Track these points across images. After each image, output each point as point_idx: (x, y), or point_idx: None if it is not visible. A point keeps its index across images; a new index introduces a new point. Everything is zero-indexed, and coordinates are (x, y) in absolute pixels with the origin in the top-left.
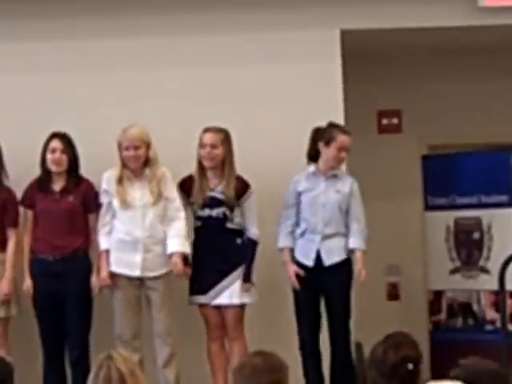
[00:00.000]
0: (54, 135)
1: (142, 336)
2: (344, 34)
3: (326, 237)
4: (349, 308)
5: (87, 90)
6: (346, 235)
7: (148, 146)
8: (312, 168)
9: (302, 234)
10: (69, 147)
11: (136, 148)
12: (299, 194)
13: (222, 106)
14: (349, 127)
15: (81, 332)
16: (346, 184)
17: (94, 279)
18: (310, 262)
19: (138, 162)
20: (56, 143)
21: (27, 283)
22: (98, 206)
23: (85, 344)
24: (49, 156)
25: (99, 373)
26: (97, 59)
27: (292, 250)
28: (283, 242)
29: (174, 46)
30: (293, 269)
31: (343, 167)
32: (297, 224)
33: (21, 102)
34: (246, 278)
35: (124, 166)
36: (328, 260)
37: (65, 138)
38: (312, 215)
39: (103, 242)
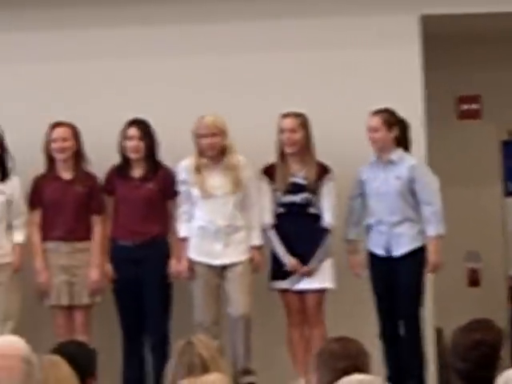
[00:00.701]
0: (132, 122)
1: (222, 322)
2: (424, 19)
3: (393, 226)
4: (419, 297)
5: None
6: (416, 221)
7: (224, 133)
8: (373, 157)
9: (372, 224)
10: (146, 134)
11: (213, 135)
12: (363, 183)
13: (299, 92)
14: (428, 113)
15: (161, 318)
16: (405, 169)
17: (172, 264)
18: (381, 252)
19: (215, 149)
20: (133, 131)
21: (106, 268)
22: (176, 192)
23: (165, 330)
24: (127, 143)
25: (181, 359)
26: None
27: (356, 241)
28: (348, 232)
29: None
30: (354, 260)
31: (421, 152)
32: (365, 214)
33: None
34: (308, 263)
35: (200, 154)
36: (398, 250)
37: (142, 125)
38: (377, 205)
39: (182, 230)
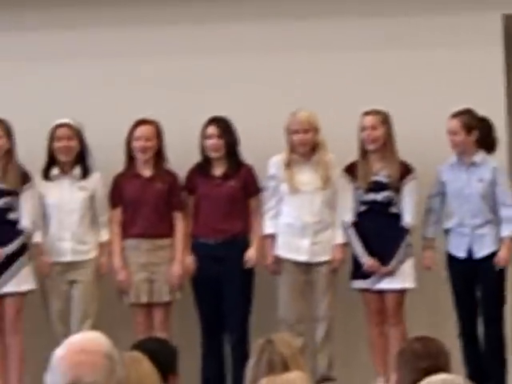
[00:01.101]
0: (211, 121)
1: (306, 321)
2: (506, 19)
3: (475, 228)
4: (501, 299)
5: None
6: (496, 223)
7: (316, 130)
8: (454, 157)
9: (452, 227)
10: (226, 132)
11: (305, 132)
12: (443, 184)
13: (381, 91)
14: (511, 113)
15: (241, 316)
16: (488, 171)
17: (251, 253)
18: (462, 254)
19: (306, 145)
20: (212, 129)
21: (188, 260)
22: (258, 190)
23: (245, 328)
24: (206, 142)
25: (261, 357)
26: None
27: (433, 239)
28: (426, 231)
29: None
30: (428, 254)
31: (503, 153)
32: (445, 215)
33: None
34: (387, 263)
35: (292, 150)
36: (479, 252)
37: (221, 123)
38: (458, 207)
39: (268, 226)
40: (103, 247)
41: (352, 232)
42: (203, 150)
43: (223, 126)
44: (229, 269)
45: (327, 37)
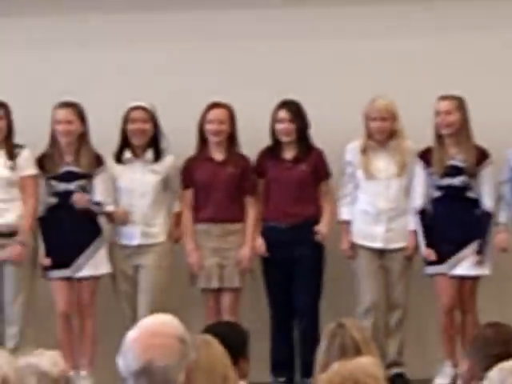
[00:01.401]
0: (282, 104)
1: (380, 306)
2: None
3: None
4: None
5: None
6: None
7: (394, 118)
8: None
9: None
10: (297, 116)
11: (383, 119)
12: None
13: (456, 76)
14: None
15: (311, 300)
16: None
17: (322, 228)
18: None
19: (384, 133)
20: (284, 113)
21: (258, 242)
22: (329, 174)
23: (315, 312)
24: (277, 126)
25: (333, 342)
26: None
27: (506, 224)
28: (499, 216)
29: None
30: (501, 237)
31: None
32: None
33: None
34: (480, 251)
35: (369, 136)
36: None
37: (293, 107)
38: None
39: (344, 212)
40: (174, 217)
41: (417, 219)
42: (274, 133)
43: (295, 109)
44: (299, 253)
45: (404, 22)
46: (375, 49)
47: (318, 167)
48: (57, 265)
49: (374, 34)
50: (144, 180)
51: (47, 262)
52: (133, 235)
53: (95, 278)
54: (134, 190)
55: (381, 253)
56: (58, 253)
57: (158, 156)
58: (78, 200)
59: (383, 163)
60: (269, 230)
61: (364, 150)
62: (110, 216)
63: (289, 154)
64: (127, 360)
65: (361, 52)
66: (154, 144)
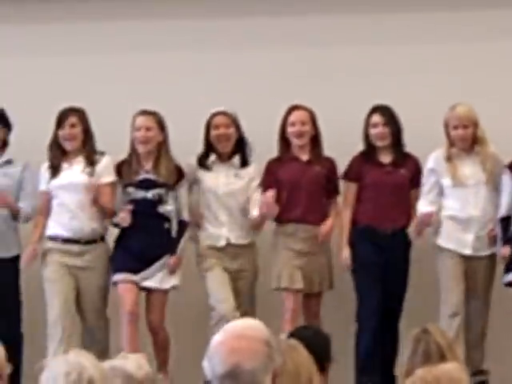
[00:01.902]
0: (376, 109)
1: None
2: None
3: None
4: None
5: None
6: None
7: (476, 124)
8: None
9: None
10: (391, 120)
11: (464, 127)
12: None
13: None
14: None
15: (399, 307)
16: None
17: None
18: None
19: (466, 141)
20: (377, 117)
21: (345, 254)
22: (420, 183)
23: (400, 315)
24: (371, 131)
25: (417, 347)
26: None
27: None
28: None
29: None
30: None
31: None
32: None
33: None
34: None
35: (451, 144)
36: None
37: (386, 112)
38: None
39: (424, 205)
40: (255, 219)
41: (499, 228)
42: (367, 138)
43: (388, 114)
44: (392, 258)
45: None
46: (459, 54)
47: (415, 174)
48: (126, 269)
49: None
50: (229, 184)
51: (127, 217)
52: (219, 238)
53: (163, 292)
54: (219, 194)
55: (467, 258)
56: (129, 259)
57: (244, 162)
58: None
59: (470, 170)
60: (363, 232)
61: (449, 158)
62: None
63: (385, 158)
64: (213, 363)
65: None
66: (241, 150)
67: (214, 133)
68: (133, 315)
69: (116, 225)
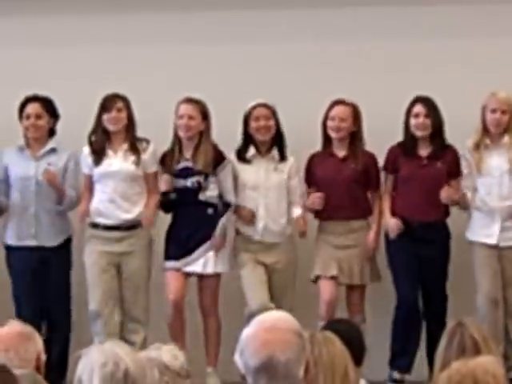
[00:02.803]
0: (418, 99)
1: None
2: None
3: None
4: None
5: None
6: None
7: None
8: None
9: None
10: (434, 111)
11: (503, 112)
12: None
13: None
14: None
15: (439, 297)
16: None
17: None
18: None
19: (500, 126)
20: (419, 108)
21: (391, 221)
22: (460, 174)
23: (443, 311)
24: (412, 121)
25: (452, 340)
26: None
27: None
28: None
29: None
30: None
31: None
32: None
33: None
34: None
35: (484, 130)
36: None
37: (428, 103)
38: None
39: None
40: (298, 220)
41: None
42: (407, 128)
43: (430, 105)
44: (429, 251)
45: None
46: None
47: (452, 165)
48: (172, 256)
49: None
50: (269, 178)
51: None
52: (255, 232)
53: (213, 276)
54: (259, 187)
55: (496, 249)
56: (177, 247)
57: (282, 156)
58: (161, 184)
59: (496, 160)
60: (403, 224)
61: (476, 146)
62: (236, 212)
63: (424, 150)
64: (246, 357)
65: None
66: (278, 142)
67: (254, 124)
68: (176, 304)
69: (163, 207)
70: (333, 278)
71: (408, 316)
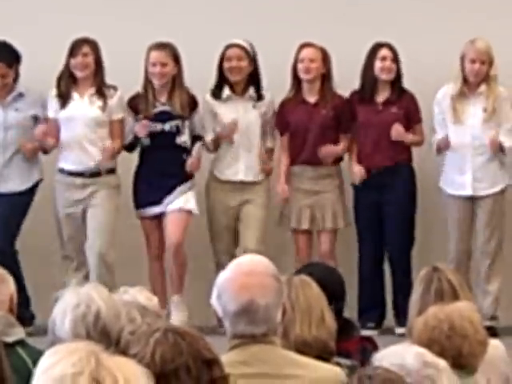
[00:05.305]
0: (383, 44)
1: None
2: None
3: None
4: None
5: None
6: None
7: (491, 63)
8: None
9: None
10: (398, 57)
11: (482, 62)
12: None
13: None
14: None
15: (404, 246)
16: None
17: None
18: None
19: (479, 77)
20: (386, 51)
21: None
22: (420, 119)
23: (408, 259)
24: (378, 64)
25: (430, 285)
26: None
27: None
28: None
29: None
30: None
31: None
32: None
33: None
34: None
35: (465, 81)
36: None
37: (393, 47)
38: None
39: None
40: (269, 152)
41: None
42: (369, 72)
43: (395, 50)
44: (391, 197)
45: None
46: None
47: (410, 111)
48: (149, 203)
49: None
50: (247, 116)
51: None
52: (237, 171)
53: (186, 212)
54: (240, 126)
55: (470, 200)
56: (149, 192)
57: (259, 96)
58: (140, 129)
59: (472, 108)
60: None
61: (456, 96)
62: (215, 142)
63: (381, 96)
64: (224, 300)
65: None
66: (255, 82)
67: (226, 65)
68: (157, 257)
69: (128, 148)
70: (306, 231)
71: (372, 264)
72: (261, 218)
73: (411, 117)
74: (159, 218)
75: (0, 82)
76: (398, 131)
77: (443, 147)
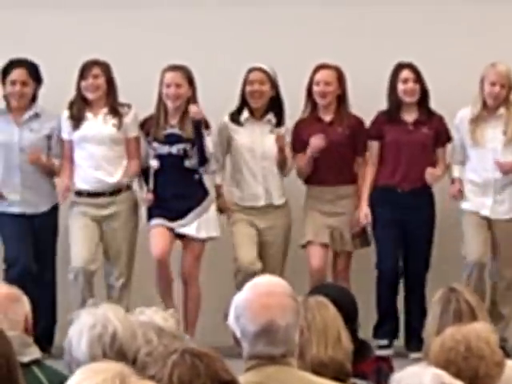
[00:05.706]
0: (405, 65)
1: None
2: None
3: None
4: None
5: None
6: None
7: (510, 86)
8: None
9: None
10: (421, 77)
11: (502, 86)
12: None
13: None
14: None
15: (423, 268)
16: None
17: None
18: None
19: (498, 100)
20: (407, 73)
21: (365, 211)
22: (448, 139)
23: (424, 281)
24: (401, 86)
25: (448, 306)
26: None
27: None
28: None
29: None
30: None
31: None
32: None
33: None
34: None
35: (484, 104)
36: None
37: (416, 68)
38: None
39: (456, 171)
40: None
41: None
42: (393, 94)
43: (418, 71)
44: (413, 217)
45: None
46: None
47: (439, 132)
48: (161, 216)
49: None
50: (263, 140)
51: (150, 196)
52: (257, 197)
53: (200, 241)
54: (255, 150)
55: (488, 221)
56: (164, 208)
57: (280, 120)
58: (196, 113)
59: (491, 132)
60: (385, 192)
61: (474, 119)
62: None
63: (409, 116)
64: (244, 322)
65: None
66: (275, 107)
67: (247, 88)
68: (162, 262)
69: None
70: (323, 245)
71: (390, 285)
72: (280, 248)
73: (440, 138)
74: (171, 230)
75: (19, 88)
76: (432, 176)
77: (457, 195)
